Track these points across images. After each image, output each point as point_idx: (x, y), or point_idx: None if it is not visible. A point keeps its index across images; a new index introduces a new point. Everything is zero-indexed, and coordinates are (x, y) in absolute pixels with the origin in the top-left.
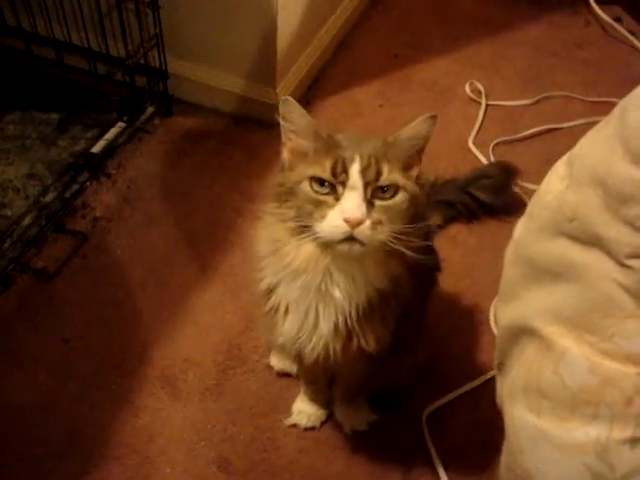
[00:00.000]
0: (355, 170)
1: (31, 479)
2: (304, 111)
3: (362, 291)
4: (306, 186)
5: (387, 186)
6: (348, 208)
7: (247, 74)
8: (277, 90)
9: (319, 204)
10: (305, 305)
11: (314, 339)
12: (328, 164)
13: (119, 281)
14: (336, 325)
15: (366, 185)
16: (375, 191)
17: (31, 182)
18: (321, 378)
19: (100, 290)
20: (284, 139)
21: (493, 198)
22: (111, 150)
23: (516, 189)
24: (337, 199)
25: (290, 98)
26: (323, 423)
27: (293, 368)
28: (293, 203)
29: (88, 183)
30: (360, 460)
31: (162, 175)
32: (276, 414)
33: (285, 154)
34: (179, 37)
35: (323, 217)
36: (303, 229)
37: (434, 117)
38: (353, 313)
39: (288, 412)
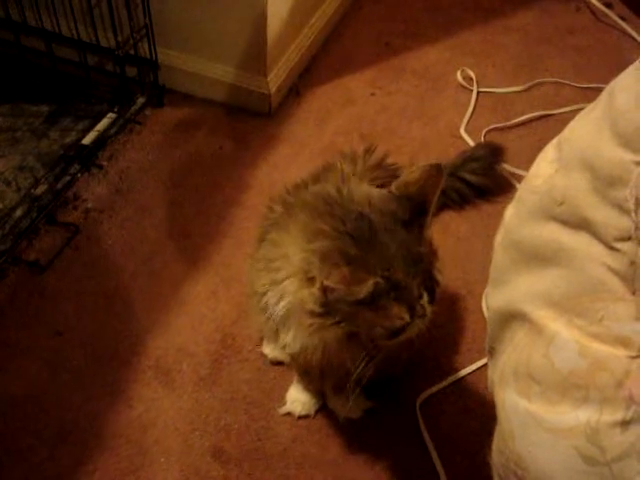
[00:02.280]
0: (426, 302)
1: (24, 470)
2: (353, 289)
3: None
4: (379, 330)
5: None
6: (418, 327)
7: (238, 63)
8: (268, 79)
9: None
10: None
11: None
12: (405, 314)
13: (111, 272)
14: None
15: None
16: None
17: (22, 174)
18: (316, 370)
19: (92, 281)
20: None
21: (483, 180)
22: (102, 141)
23: (503, 170)
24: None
25: (334, 286)
26: (317, 411)
27: (287, 356)
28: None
29: (79, 175)
30: (354, 447)
31: (154, 166)
32: (270, 403)
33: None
34: (169, 27)
35: (393, 337)
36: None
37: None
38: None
39: (282, 401)
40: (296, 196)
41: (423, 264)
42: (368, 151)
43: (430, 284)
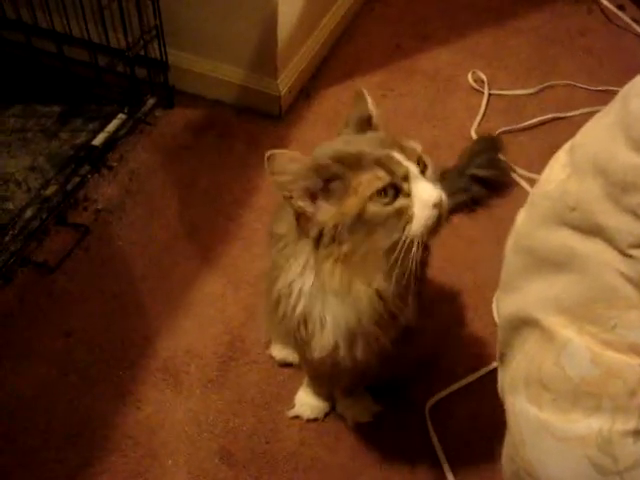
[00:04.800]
0: (403, 159)
1: (33, 470)
2: (296, 154)
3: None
4: (372, 207)
5: (423, 157)
6: (429, 195)
7: (248, 65)
8: (278, 81)
9: (397, 213)
10: (346, 316)
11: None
12: (380, 172)
13: (121, 273)
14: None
15: (418, 166)
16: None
17: (33, 175)
18: (327, 373)
19: (102, 283)
20: (286, 193)
21: (490, 172)
22: (112, 142)
23: (512, 169)
24: (409, 195)
25: (274, 152)
26: (326, 415)
27: (295, 357)
28: (359, 237)
29: (89, 176)
30: (363, 451)
31: (163, 167)
32: (278, 406)
33: (300, 204)
34: (179, 28)
35: (408, 221)
36: (383, 256)
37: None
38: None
39: (290, 403)
40: None
41: (384, 136)
42: None
43: (404, 148)
